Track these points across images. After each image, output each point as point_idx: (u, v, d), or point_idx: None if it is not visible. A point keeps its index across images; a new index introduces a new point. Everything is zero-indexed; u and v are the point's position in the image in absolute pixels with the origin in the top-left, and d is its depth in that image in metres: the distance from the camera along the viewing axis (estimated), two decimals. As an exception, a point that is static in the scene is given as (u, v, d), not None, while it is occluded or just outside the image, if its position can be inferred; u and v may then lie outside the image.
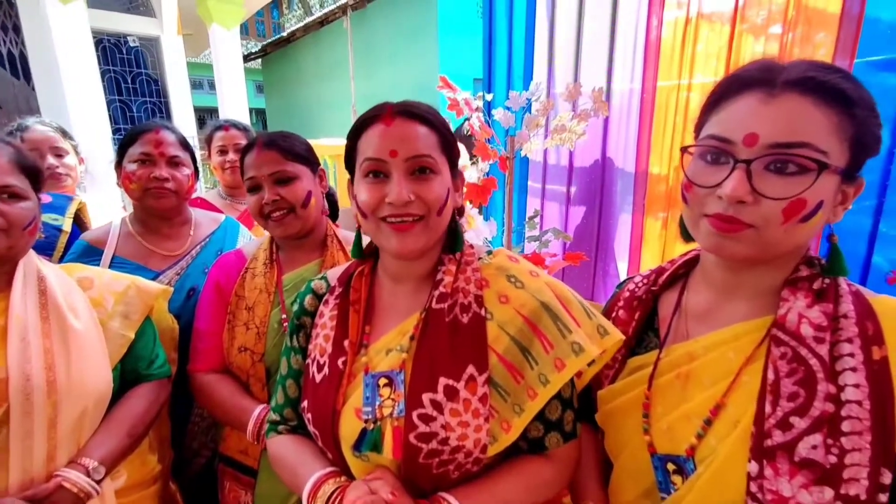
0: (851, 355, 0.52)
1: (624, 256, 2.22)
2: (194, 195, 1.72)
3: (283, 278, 1.03)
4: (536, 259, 2.00)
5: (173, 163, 1.22)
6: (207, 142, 1.84)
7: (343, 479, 0.67)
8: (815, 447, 0.50)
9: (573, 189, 2.33)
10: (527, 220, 2.33)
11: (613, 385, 0.71)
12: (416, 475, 0.65)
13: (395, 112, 0.67)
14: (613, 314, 0.77)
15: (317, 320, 0.77)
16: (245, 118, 5.83)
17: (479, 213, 2.09)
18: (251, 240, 1.33)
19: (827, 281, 0.58)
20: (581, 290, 2.34)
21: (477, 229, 2.00)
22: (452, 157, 0.72)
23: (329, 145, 4.26)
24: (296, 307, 0.81)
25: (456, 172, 0.74)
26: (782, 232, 0.54)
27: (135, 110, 6.38)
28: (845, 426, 0.50)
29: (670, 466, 0.61)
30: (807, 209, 0.53)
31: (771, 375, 0.55)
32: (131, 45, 6.23)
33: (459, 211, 0.77)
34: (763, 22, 1.78)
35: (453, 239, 0.74)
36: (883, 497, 0.48)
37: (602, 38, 2.14)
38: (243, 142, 1.74)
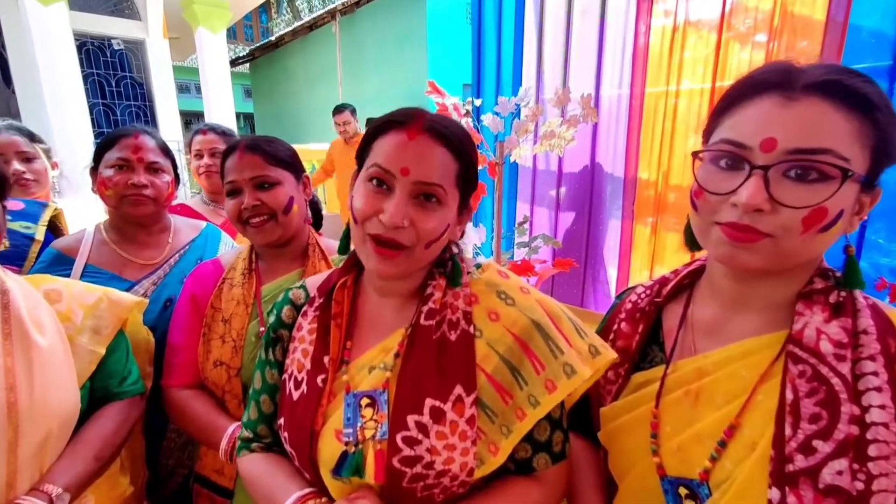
0: (875, 374, 0.49)
1: (613, 262, 2.22)
2: (177, 201, 1.68)
3: (262, 289, 1.00)
4: (526, 266, 1.99)
5: (152, 169, 1.17)
6: (188, 146, 1.80)
7: (324, 500, 0.64)
8: (840, 473, 0.47)
9: (562, 195, 2.32)
10: (516, 226, 2.32)
11: (617, 402, 0.68)
12: (400, 499, 0.62)
13: (424, 127, 0.62)
14: (615, 326, 0.74)
15: (294, 333, 0.74)
16: (232, 122, 5.78)
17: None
18: (233, 248, 1.29)
19: (843, 294, 0.55)
20: (571, 296, 2.34)
21: (466, 236, 1.98)
22: (467, 192, 0.68)
23: (317, 150, 4.23)
24: (272, 319, 0.77)
25: (465, 208, 0.70)
26: (800, 242, 0.51)
27: (119, 114, 6.29)
28: (872, 450, 0.47)
29: (682, 490, 0.58)
30: (828, 218, 0.50)
31: (790, 395, 0.52)
32: (115, 48, 6.14)
33: (456, 244, 0.73)
34: (748, 30, 1.80)
35: (451, 273, 0.70)
36: None
37: (590, 44, 2.14)
38: (220, 146, 1.70)
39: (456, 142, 0.64)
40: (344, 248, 0.74)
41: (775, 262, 0.54)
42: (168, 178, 1.21)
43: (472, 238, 2.03)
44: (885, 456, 0.46)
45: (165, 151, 1.23)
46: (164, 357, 1.02)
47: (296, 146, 1.09)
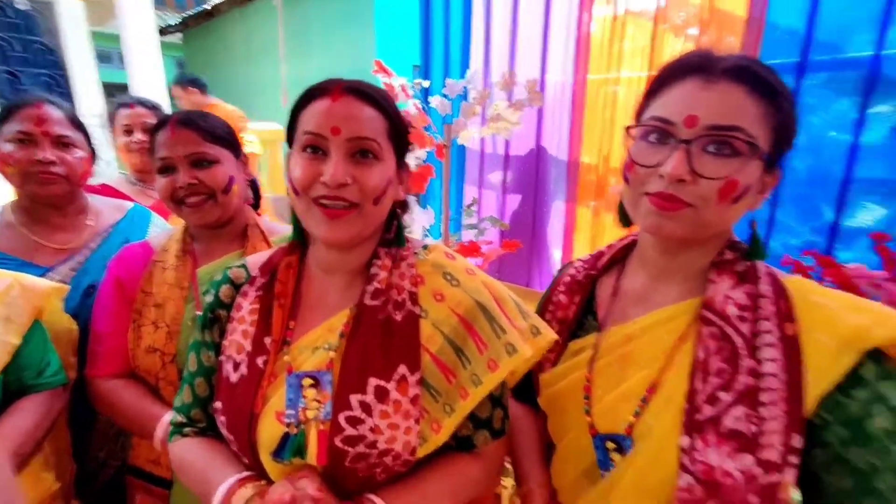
0: (769, 332, 0.56)
1: (558, 244, 2.30)
2: (100, 181, 1.54)
3: (197, 271, 0.95)
4: (473, 247, 2.02)
5: (61, 143, 1.06)
6: (111, 120, 1.65)
7: (263, 483, 0.63)
8: (738, 418, 0.54)
9: (509, 178, 2.37)
10: (464, 208, 2.34)
11: (555, 368, 0.72)
12: (341, 479, 0.62)
13: (344, 88, 0.63)
14: (555, 298, 0.78)
15: (233, 314, 0.71)
16: (163, 96, 5.33)
17: (417, 201, 2.07)
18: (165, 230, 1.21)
19: (748, 264, 0.62)
20: (517, 276, 2.41)
21: (414, 218, 1.98)
22: (401, 148, 0.69)
23: (257, 130, 4.03)
24: (209, 298, 0.74)
25: (403, 164, 0.71)
26: (716, 212, 0.57)
27: (27, 83, 5.61)
28: (764, 397, 0.54)
29: (610, 445, 0.63)
30: (738, 190, 0.56)
31: (701, 354, 0.58)
32: (20, 7, 5.44)
33: (402, 206, 0.73)
34: (682, 22, 1.90)
35: (395, 234, 0.71)
36: (794, 459, 0.52)
37: (536, 30, 2.17)
38: (151, 121, 1.57)
39: (379, 99, 0.65)
40: (297, 234, 0.72)
41: (695, 230, 0.60)
42: (81, 153, 1.10)
43: (421, 220, 2.03)
44: (774, 402, 0.54)
45: (76, 124, 1.12)
46: (88, 346, 0.95)
47: (234, 123, 1.03)
